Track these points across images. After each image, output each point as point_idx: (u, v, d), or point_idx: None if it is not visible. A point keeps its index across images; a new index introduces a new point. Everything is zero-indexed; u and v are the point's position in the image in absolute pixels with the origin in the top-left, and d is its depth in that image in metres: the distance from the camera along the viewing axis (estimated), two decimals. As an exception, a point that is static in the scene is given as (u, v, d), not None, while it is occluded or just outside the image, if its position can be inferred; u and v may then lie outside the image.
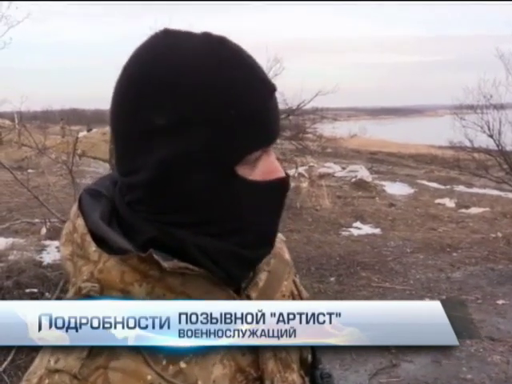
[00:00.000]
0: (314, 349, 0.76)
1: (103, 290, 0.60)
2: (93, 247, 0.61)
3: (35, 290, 4.37)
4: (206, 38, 0.63)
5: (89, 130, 19.02)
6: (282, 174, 0.65)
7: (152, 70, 0.60)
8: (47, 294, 4.31)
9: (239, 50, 0.64)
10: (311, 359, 0.76)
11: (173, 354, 0.58)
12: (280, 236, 0.75)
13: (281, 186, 0.65)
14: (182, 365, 0.59)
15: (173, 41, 0.62)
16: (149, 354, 0.58)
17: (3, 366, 3.43)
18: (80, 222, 0.64)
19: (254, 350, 0.65)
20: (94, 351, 0.57)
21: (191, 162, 0.60)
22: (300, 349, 0.73)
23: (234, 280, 0.65)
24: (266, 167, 0.63)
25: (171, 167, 0.60)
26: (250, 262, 0.66)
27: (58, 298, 4.02)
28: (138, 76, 0.61)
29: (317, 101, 10.35)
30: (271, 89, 0.64)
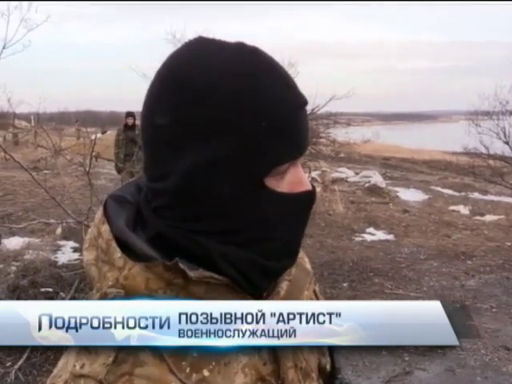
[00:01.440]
0: (332, 358, 0.75)
1: (128, 296, 0.60)
2: (118, 253, 0.61)
3: (50, 290, 4.41)
4: (239, 47, 0.63)
5: (103, 132, 19.16)
6: (309, 187, 0.65)
7: (183, 76, 0.60)
8: (62, 293, 4.35)
9: (271, 60, 0.63)
10: (330, 368, 0.76)
11: (196, 362, 0.59)
12: None
13: (308, 199, 0.65)
14: (205, 373, 0.59)
15: (205, 48, 0.62)
16: (173, 362, 0.58)
17: (18, 364, 3.46)
18: (105, 227, 0.64)
19: (275, 360, 0.65)
20: (119, 358, 0.57)
21: (219, 171, 0.59)
22: (318, 356, 0.73)
23: (256, 289, 0.65)
24: (293, 179, 0.63)
25: (199, 175, 0.60)
26: (273, 273, 0.66)
27: (73, 298, 4.06)
28: (169, 82, 0.61)
29: (330, 105, 10.31)
30: (302, 101, 0.64)
